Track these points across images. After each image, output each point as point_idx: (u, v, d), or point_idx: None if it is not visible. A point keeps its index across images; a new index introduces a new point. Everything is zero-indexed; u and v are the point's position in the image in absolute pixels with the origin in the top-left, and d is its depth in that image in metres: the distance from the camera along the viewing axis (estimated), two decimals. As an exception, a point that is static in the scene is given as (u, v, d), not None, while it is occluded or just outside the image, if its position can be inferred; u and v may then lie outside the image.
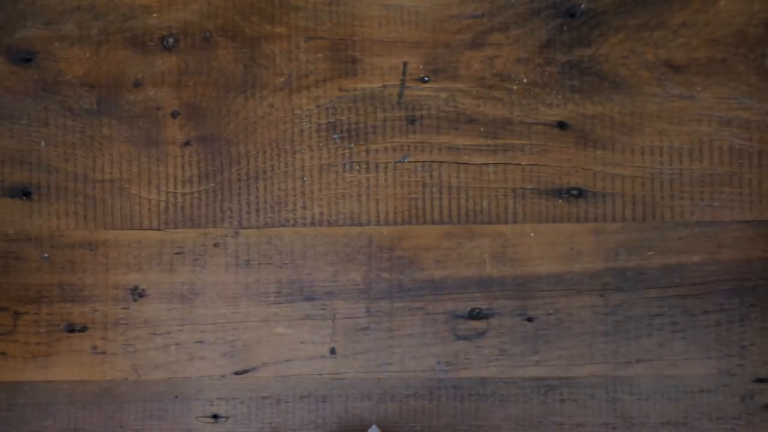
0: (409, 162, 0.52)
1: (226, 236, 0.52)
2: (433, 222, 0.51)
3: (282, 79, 0.52)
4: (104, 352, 0.52)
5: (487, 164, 0.51)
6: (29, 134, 0.52)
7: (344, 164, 0.52)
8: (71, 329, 0.52)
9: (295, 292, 0.52)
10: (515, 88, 0.51)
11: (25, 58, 0.52)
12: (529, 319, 0.51)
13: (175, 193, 0.52)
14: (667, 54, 0.51)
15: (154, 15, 0.52)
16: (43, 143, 0.52)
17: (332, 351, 0.52)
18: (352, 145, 0.52)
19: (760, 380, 0.51)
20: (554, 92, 0.51)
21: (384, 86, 0.52)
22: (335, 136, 0.52)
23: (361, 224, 0.52)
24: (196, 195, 0.52)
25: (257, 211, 0.52)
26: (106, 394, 0.52)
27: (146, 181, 0.52)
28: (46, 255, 0.52)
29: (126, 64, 0.52)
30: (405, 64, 0.51)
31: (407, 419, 0.51)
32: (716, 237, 0.51)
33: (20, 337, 0.52)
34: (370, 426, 0.50)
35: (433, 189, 0.51)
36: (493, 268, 0.51)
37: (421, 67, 0.51)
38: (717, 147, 0.51)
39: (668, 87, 0.51)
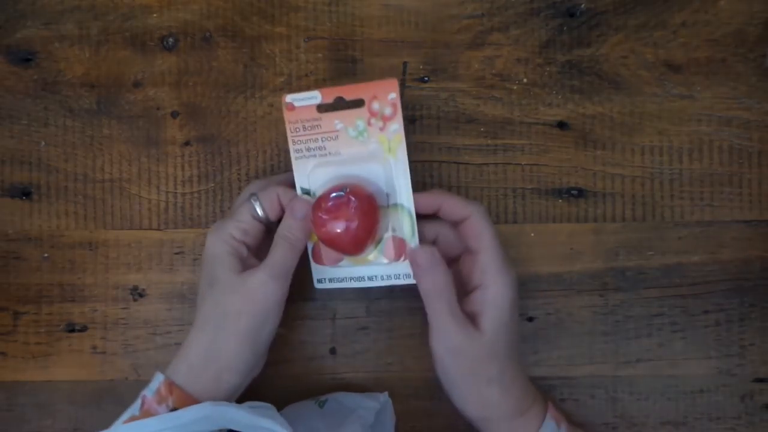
0: (408, 162, 0.52)
1: (226, 236, 0.52)
2: (433, 222, 0.51)
3: (282, 79, 0.52)
4: (104, 352, 0.52)
5: (487, 164, 0.51)
6: (29, 134, 0.52)
7: (344, 164, 0.51)
8: (71, 329, 0.52)
9: (295, 292, 0.52)
10: (515, 88, 0.51)
11: (25, 58, 0.52)
12: (529, 319, 0.51)
13: (175, 193, 0.52)
14: (667, 54, 0.51)
15: (154, 15, 0.52)
16: (43, 143, 0.52)
17: (332, 351, 0.52)
18: (352, 145, 0.52)
19: (760, 380, 0.51)
20: (554, 92, 0.51)
21: (384, 86, 0.51)
22: (335, 136, 0.52)
23: (361, 224, 0.51)
24: (196, 195, 0.52)
25: (257, 211, 0.52)
26: (106, 394, 0.52)
27: (146, 181, 0.52)
28: (46, 255, 0.52)
29: (126, 64, 0.52)
30: (405, 64, 0.51)
31: (407, 419, 0.51)
32: (716, 237, 0.51)
33: (20, 337, 0.52)
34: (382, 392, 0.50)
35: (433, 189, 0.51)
36: (493, 268, 0.51)
37: (421, 67, 0.51)
38: (717, 147, 0.51)
39: (668, 87, 0.51)
